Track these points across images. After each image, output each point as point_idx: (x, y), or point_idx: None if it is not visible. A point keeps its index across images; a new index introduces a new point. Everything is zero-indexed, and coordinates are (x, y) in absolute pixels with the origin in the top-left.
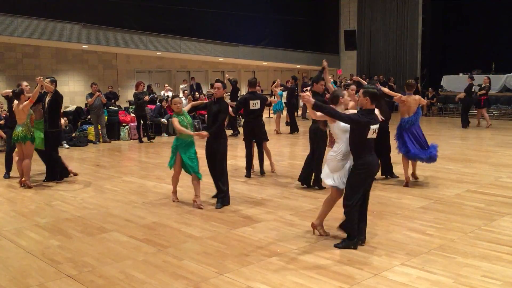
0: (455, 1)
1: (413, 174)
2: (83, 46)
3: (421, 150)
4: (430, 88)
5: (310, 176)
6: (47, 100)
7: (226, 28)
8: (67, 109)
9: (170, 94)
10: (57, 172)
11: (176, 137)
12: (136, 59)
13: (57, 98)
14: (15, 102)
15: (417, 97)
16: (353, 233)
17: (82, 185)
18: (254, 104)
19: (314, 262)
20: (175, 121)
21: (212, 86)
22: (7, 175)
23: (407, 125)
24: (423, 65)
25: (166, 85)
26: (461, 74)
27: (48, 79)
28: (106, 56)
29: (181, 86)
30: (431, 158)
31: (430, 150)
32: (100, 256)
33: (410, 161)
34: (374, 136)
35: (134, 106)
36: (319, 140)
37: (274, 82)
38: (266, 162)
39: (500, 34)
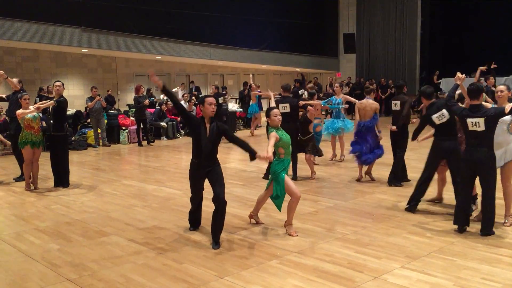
0: (453, 4)
1: (367, 172)
2: (83, 50)
3: (368, 154)
4: None
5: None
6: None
7: (225, 31)
8: (67, 113)
9: None
10: (66, 177)
11: (280, 159)
12: (136, 62)
13: (60, 103)
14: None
15: (374, 106)
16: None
17: (81, 189)
18: (284, 108)
19: (314, 265)
20: (274, 137)
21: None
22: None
23: (363, 129)
24: (422, 68)
25: None
26: None
27: (59, 83)
28: (106, 60)
29: (174, 89)
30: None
31: (376, 151)
32: (100, 259)
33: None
34: (477, 129)
35: (134, 109)
36: (401, 142)
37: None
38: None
39: (499, 36)
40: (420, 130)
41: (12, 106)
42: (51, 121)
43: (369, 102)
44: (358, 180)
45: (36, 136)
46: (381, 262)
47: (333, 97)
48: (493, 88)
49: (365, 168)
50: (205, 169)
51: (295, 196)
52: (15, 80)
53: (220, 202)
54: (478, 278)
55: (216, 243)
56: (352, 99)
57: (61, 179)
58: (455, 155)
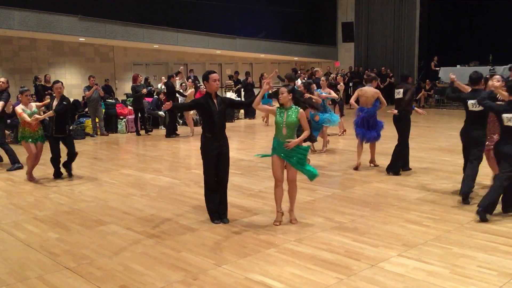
0: None
1: (371, 161)
2: (80, 39)
3: (365, 132)
4: (427, 80)
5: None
6: (53, 104)
7: (223, 20)
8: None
9: None
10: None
11: (274, 137)
12: (133, 51)
13: (60, 110)
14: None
15: (374, 90)
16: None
17: (80, 178)
18: None
19: (311, 254)
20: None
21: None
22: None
23: (365, 115)
24: (421, 57)
25: (163, 77)
26: (458, 66)
27: (59, 84)
28: (103, 49)
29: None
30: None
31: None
32: (99, 248)
33: (368, 147)
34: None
35: (132, 99)
36: (404, 128)
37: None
38: None
39: (498, 25)
40: (454, 94)
41: None
42: (54, 122)
43: (370, 89)
44: (356, 168)
45: (34, 132)
46: (378, 250)
47: (319, 89)
48: None
49: (368, 157)
50: (219, 141)
51: (275, 179)
52: (2, 79)
53: (223, 185)
54: (474, 266)
55: (226, 216)
56: (334, 95)
57: (66, 168)
58: (480, 145)
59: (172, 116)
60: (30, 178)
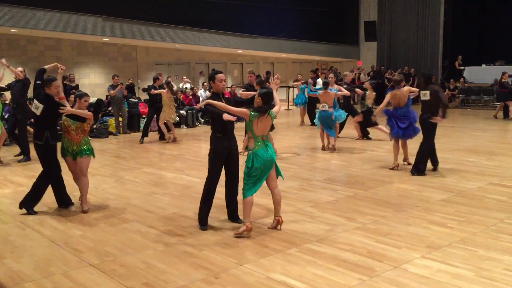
0: None
1: (405, 159)
2: (103, 39)
3: (400, 130)
4: (451, 80)
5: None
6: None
7: (245, 19)
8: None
9: (188, 86)
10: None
11: (253, 151)
12: (155, 51)
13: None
14: None
15: (406, 88)
16: None
17: (103, 176)
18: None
19: (333, 254)
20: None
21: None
22: None
23: (399, 114)
24: (445, 56)
25: (184, 77)
26: (484, 65)
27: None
28: (126, 49)
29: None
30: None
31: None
32: (122, 245)
33: (400, 146)
34: None
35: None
36: (429, 130)
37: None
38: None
39: None
40: None
41: (17, 93)
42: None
43: (401, 90)
44: (393, 168)
45: (76, 144)
46: (401, 251)
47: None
48: None
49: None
50: (229, 141)
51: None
52: (19, 68)
53: (235, 186)
54: (500, 268)
55: (238, 216)
56: (345, 92)
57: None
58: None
59: (149, 119)
60: (84, 206)
